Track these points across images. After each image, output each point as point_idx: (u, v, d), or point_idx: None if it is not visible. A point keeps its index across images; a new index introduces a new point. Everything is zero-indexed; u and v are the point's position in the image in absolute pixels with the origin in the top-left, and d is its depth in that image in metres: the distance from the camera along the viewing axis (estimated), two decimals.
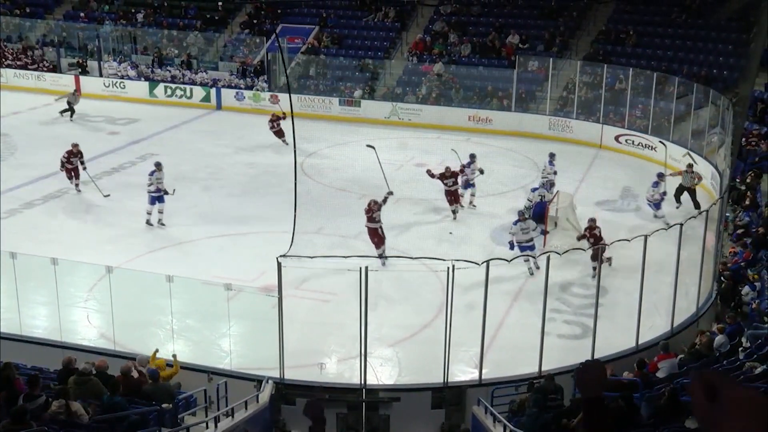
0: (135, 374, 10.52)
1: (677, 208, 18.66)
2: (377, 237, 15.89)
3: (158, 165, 18.34)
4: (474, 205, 19.62)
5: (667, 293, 13.58)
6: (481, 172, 19.48)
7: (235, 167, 22.99)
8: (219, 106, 29.87)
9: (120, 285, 12.59)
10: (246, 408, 10.41)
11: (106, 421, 8.53)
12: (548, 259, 12.01)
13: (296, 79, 29.90)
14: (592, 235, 15.23)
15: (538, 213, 18.17)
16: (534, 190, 18.62)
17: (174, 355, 11.86)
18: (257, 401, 10.95)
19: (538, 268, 14.97)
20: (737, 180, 20.43)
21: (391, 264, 14.39)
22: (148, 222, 17.82)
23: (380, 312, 13.74)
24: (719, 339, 12.38)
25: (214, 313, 13.34)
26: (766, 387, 9.79)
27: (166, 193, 17.94)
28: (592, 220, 15.79)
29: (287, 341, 12.13)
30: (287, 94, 22.96)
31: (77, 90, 29.13)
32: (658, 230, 12.95)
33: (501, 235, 17.91)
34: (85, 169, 19.90)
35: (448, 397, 12.00)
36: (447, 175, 18.46)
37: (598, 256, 13.75)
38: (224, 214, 19.04)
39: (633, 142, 24.35)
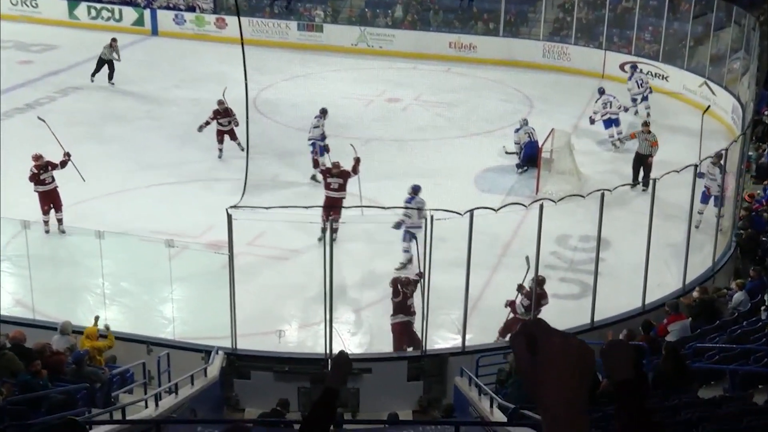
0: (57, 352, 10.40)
1: (633, 187, 16.43)
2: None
3: None
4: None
5: (679, 246, 13.66)
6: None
7: (176, 104, 22.59)
8: (154, 32, 29.27)
9: (39, 243, 12.39)
10: (192, 383, 10.35)
11: (23, 402, 8.41)
12: (541, 207, 11.97)
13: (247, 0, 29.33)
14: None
15: (528, 155, 18.14)
16: (517, 130, 18.57)
17: (107, 326, 11.73)
18: (205, 375, 10.90)
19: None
20: (764, 113, 20.51)
21: (360, 215, 14.28)
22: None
23: (347, 271, 13.71)
24: (738, 296, 12.52)
25: (154, 274, 13.21)
26: None
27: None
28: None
29: (240, 306, 12.04)
30: (236, 17, 22.52)
31: (113, 40, 23.91)
32: (669, 172, 12.95)
33: (486, 180, 17.89)
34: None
35: (427, 368, 12.04)
36: (333, 173, 15.10)
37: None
38: (164, 159, 18.75)
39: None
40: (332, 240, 12.15)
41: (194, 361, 11.61)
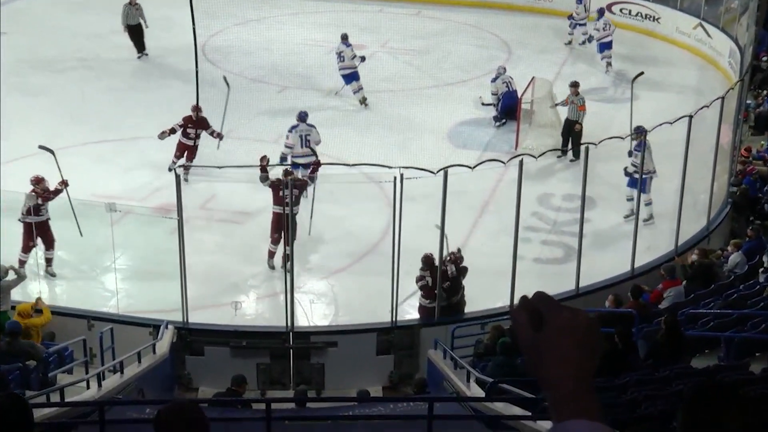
0: None
1: (559, 156, 16.36)
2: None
3: None
4: (365, 103, 18.94)
5: (671, 203, 13.79)
6: (362, 59, 18.71)
7: (116, 52, 22.20)
8: None
9: None
10: (139, 361, 10.33)
11: None
12: (521, 164, 12.01)
13: None
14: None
15: (507, 106, 18.14)
16: (494, 79, 18.55)
17: (39, 298, 11.62)
18: (154, 352, 10.88)
19: None
20: (763, 58, 20.64)
21: (324, 174, 14.24)
22: None
23: (310, 236, 13.69)
24: (734, 258, 12.69)
25: (94, 241, 13.08)
26: None
27: None
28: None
29: (191, 276, 12.00)
30: None
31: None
32: (661, 124, 13.03)
33: (461, 134, 17.88)
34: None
35: (398, 340, 12.12)
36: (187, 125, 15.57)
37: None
38: (103, 114, 18.49)
39: (630, 12, 24.32)
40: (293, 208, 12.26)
41: (141, 336, 11.56)
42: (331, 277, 13.45)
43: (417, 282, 12.25)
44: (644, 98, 19.85)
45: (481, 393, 8.53)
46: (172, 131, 15.36)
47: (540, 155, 14.40)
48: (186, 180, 13.56)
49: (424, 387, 10.43)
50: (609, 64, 21.32)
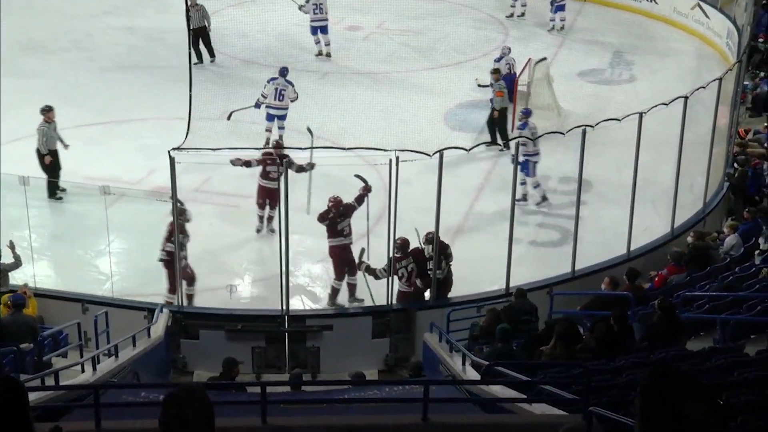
0: None
1: (488, 145, 16.10)
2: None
3: None
4: (328, 54, 19.93)
5: (668, 186, 13.82)
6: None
7: (108, 33, 22.15)
8: None
9: None
10: (134, 345, 10.35)
11: None
12: (518, 145, 12.02)
13: None
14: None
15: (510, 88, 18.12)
16: (498, 59, 18.49)
17: (25, 284, 11.55)
18: (149, 336, 10.90)
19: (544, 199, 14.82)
20: (760, 39, 20.60)
21: (319, 157, 14.24)
22: None
23: (305, 218, 13.67)
24: (730, 240, 12.73)
25: (88, 225, 13.09)
26: None
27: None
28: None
29: (186, 259, 12.02)
30: None
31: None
32: (657, 105, 13.03)
33: (457, 116, 17.86)
34: None
35: (394, 323, 12.15)
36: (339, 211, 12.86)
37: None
38: (96, 96, 18.45)
39: None
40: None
41: (136, 320, 11.59)
42: (327, 260, 13.45)
43: (395, 270, 12.15)
44: (642, 79, 19.92)
45: (476, 376, 8.57)
46: (248, 164, 13.50)
47: (537, 138, 14.41)
48: (272, 231, 13.49)
49: (420, 370, 10.47)
50: (562, 27, 22.17)
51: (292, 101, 16.34)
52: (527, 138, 14.30)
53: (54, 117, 14.64)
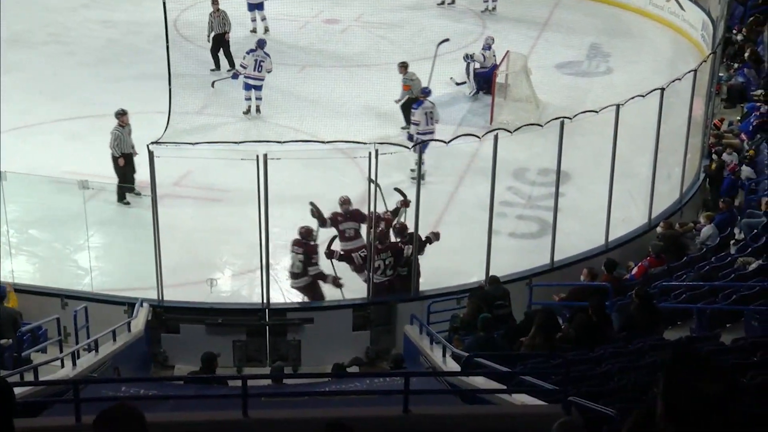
0: None
1: (406, 128, 16.25)
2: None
3: None
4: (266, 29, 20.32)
5: (645, 177, 13.87)
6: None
7: (87, 27, 21.99)
8: None
9: None
10: (114, 340, 10.28)
11: None
12: (496, 138, 12.02)
13: None
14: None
15: (482, 80, 18.14)
16: (488, 47, 18.51)
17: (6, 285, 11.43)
18: (129, 330, 10.84)
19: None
20: (734, 31, 20.71)
21: (298, 150, 14.19)
22: None
23: (285, 212, 13.63)
24: (706, 230, 12.81)
25: (67, 219, 12.99)
26: (760, 285, 10.24)
27: None
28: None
29: (166, 253, 11.94)
30: None
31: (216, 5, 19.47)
32: (633, 97, 13.07)
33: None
34: None
35: (374, 316, 12.15)
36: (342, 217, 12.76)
37: None
38: (75, 90, 18.32)
39: None
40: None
41: (116, 315, 11.53)
42: None
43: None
44: (618, 71, 19.98)
45: (457, 368, 8.58)
46: (322, 223, 12.58)
47: (515, 130, 14.41)
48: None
49: (401, 362, 10.47)
50: (494, 8, 22.96)
51: (268, 72, 17.24)
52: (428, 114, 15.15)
53: (128, 120, 14.48)
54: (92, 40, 21.20)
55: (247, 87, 17.22)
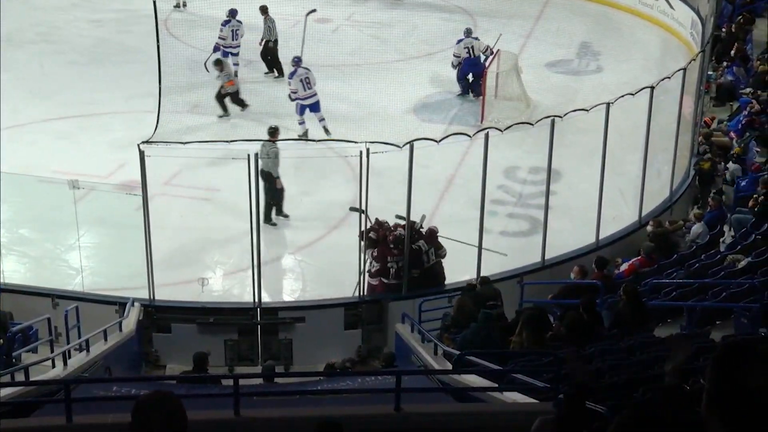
0: None
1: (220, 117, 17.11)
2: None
3: None
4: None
5: (635, 175, 13.91)
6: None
7: (76, 25, 21.93)
8: None
9: None
10: (105, 339, 10.26)
11: None
12: (487, 137, 12.03)
13: None
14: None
15: (464, 73, 18.06)
16: (459, 41, 18.46)
17: None
18: (120, 330, 10.82)
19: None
20: (723, 29, 20.77)
21: (289, 149, 14.19)
22: None
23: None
24: (696, 228, 12.84)
25: (57, 219, 12.96)
26: (750, 283, 10.27)
27: None
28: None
29: (157, 253, 11.94)
30: None
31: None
32: (623, 96, 13.10)
33: (427, 108, 17.87)
34: None
35: (366, 315, 12.15)
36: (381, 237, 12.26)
37: None
38: (65, 89, 18.28)
39: None
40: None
41: (107, 314, 11.49)
42: (299, 252, 13.44)
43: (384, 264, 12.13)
44: (608, 70, 20.03)
45: (448, 366, 8.59)
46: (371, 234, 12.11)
47: (506, 128, 14.42)
48: None
49: (393, 361, 10.49)
50: None
51: (241, 37, 18.74)
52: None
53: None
54: (82, 39, 21.16)
55: (225, 54, 18.40)
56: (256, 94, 17.53)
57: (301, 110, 16.47)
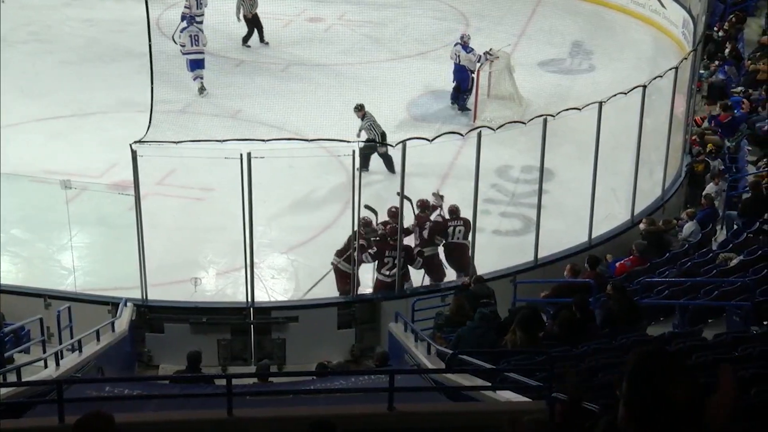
0: None
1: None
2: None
3: None
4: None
5: (628, 174, 13.93)
6: None
7: (69, 25, 21.89)
8: None
9: None
10: (98, 340, 10.24)
11: None
12: (479, 136, 12.04)
13: None
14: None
15: (454, 78, 17.96)
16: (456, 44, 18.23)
17: None
18: (113, 330, 10.79)
19: None
20: (714, 28, 20.83)
21: (281, 147, 14.17)
22: None
23: (270, 210, 13.65)
24: (688, 227, 12.87)
25: (50, 219, 12.94)
26: (741, 281, 10.30)
27: None
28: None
29: (150, 252, 11.92)
30: None
31: None
32: (616, 95, 13.12)
33: (420, 107, 17.88)
34: None
35: (359, 314, 12.15)
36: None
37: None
38: (57, 89, 18.24)
39: None
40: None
41: (100, 314, 11.47)
42: (291, 252, 13.43)
43: (381, 258, 12.15)
44: (601, 68, 20.06)
45: (441, 365, 8.59)
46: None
47: (498, 127, 14.43)
48: None
49: (386, 360, 10.48)
50: None
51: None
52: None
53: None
54: (74, 39, 21.11)
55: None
56: (249, 97, 17.51)
57: (191, 66, 18.02)
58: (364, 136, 15.31)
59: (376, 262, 12.24)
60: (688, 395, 2.11)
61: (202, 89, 18.00)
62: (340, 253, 12.20)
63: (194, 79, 18.13)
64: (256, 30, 20.67)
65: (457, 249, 12.64)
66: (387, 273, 12.23)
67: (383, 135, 15.24)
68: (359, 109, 15.56)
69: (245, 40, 20.69)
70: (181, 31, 18.47)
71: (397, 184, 12.01)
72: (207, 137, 14.22)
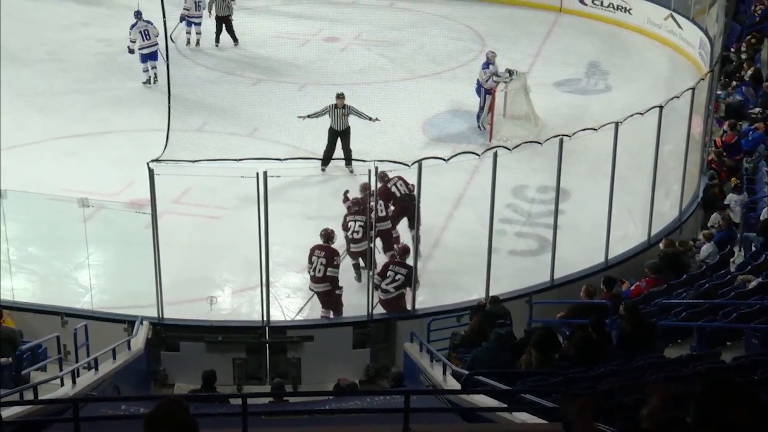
0: None
1: None
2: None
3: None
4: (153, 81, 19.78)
5: (644, 194, 13.91)
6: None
7: (85, 44, 22.09)
8: None
9: None
10: (114, 358, 10.28)
11: None
12: (495, 156, 12.07)
13: None
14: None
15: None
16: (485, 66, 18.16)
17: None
18: (129, 348, 10.83)
19: None
20: (731, 49, 20.82)
21: (297, 167, 14.24)
22: None
23: (285, 229, 13.67)
24: (706, 248, 12.83)
25: (67, 237, 13.02)
26: (760, 303, 10.26)
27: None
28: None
29: (166, 271, 11.95)
30: None
31: None
32: (632, 115, 13.13)
33: (436, 126, 17.93)
34: None
35: (374, 334, 12.16)
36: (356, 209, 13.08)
37: None
38: (73, 107, 18.39)
39: (602, 2, 24.47)
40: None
41: (116, 333, 11.52)
42: (307, 271, 13.45)
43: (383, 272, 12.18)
44: (617, 89, 20.08)
45: (457, 385, 8.59)
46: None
47: (514, 147, 14.45)
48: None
49: (401, 380, 10.48)
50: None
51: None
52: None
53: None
54: (89, 58, 21.30)
55: (188, 23, 20.71)
56: (266, 116, 17.60)
57: (143, 59, 19.13)
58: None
59: (375, 272, 12.21)
60: (752, 419, 2.24)
61: (151, 80, 19.18)
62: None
63: (144, 71, 19.25)
64: (226, 31, 21.48)
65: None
66: (387, 287, 12.17)
67: (347, 130, 15.86)
68: (340, 97, 16.09)
69: (216, 39, 21.69)
70: (131, 28, 19.24)
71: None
72: (223, 156, 14.31)
